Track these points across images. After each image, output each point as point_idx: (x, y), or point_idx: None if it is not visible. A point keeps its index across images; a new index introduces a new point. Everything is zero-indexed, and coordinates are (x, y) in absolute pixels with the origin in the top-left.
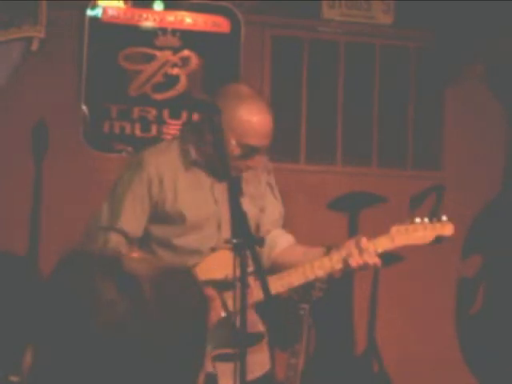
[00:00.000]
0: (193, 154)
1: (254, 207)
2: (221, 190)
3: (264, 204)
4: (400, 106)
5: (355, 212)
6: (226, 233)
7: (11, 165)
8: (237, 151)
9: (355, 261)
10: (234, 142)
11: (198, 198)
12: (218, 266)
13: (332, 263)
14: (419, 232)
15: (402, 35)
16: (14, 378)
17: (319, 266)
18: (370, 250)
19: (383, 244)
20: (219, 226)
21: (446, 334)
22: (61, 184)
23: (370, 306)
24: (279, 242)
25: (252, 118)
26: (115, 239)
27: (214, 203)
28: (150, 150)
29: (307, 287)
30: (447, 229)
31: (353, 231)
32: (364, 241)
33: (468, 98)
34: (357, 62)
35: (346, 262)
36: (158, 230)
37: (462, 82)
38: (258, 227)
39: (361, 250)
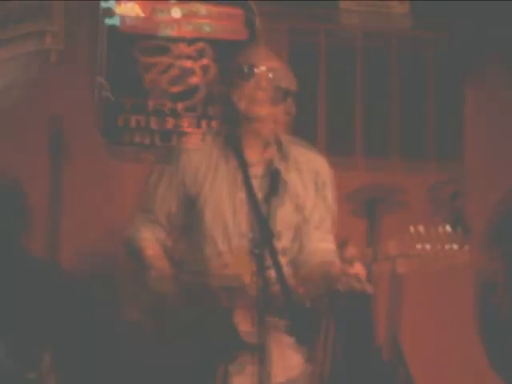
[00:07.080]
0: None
1: (294, 212)
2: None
3: (303, 204)
4: (420, 98)
5: (374, 204)
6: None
7: (30, 163)
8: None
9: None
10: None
11: (223, 189)
12: (237, 268)
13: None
14: (430, 259)
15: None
16: (31, 375)
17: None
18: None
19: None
20: (236, 221)
21: (470, 333)
22: (78, 178)
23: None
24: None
25: (248, 47)
26: (148, 233)
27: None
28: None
29: (333, 298)
30: (462, 257)
31: (372, 223)
32: (349, 251)
33: (489, 88)
34: (374, 53)
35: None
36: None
37: (482, 72)
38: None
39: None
